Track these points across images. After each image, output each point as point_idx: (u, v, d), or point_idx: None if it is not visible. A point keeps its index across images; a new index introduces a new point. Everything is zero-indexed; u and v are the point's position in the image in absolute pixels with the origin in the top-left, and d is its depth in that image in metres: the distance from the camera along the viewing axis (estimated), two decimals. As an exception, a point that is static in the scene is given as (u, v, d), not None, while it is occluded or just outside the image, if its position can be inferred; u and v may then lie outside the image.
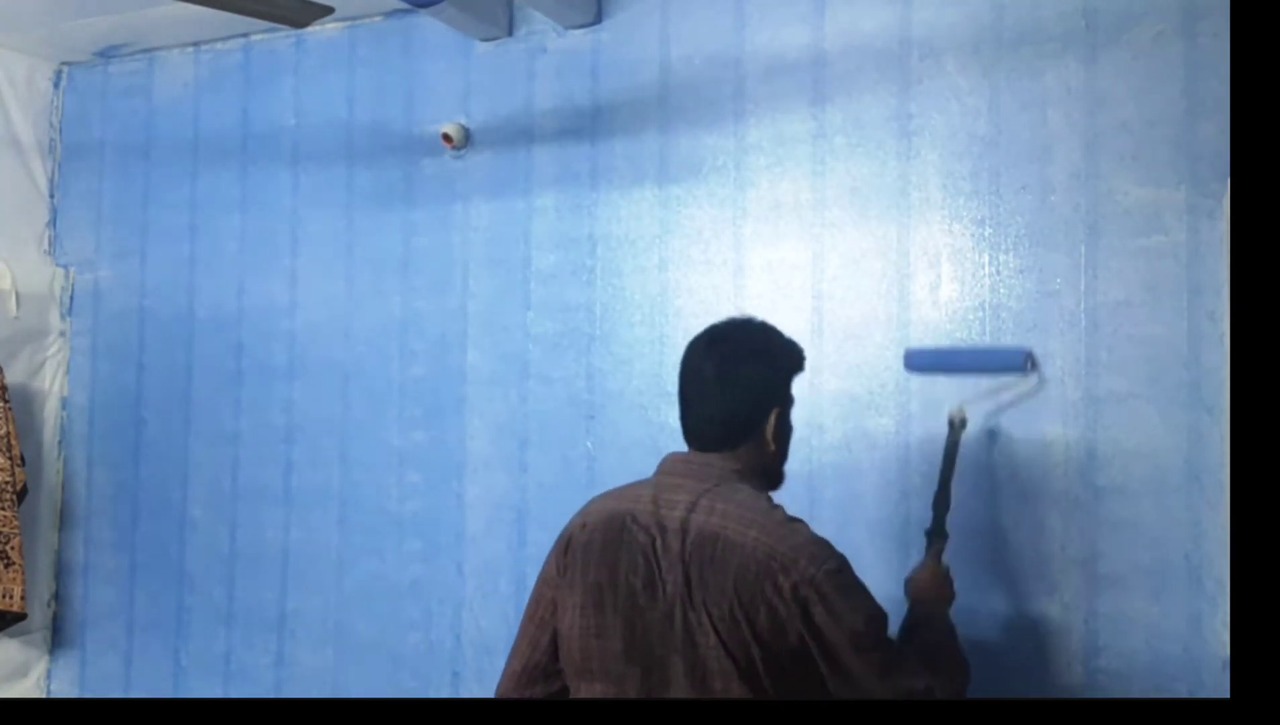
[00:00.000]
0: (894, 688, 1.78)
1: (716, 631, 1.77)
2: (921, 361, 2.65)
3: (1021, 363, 2.55)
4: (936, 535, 2.35)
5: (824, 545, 1.83)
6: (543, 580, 2.01)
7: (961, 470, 2.59)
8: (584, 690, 1.89)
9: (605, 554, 1.89)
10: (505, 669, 2.02)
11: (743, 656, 1.76)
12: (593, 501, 2.03)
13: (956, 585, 2.30)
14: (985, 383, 2.62)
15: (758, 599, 1.76)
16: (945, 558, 2.32)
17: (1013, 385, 2.59)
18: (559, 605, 1.94)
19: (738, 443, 1.94)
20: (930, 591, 2.22)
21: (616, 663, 1.84)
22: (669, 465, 1.98)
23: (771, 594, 1.76)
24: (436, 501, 3.21)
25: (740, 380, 1.95)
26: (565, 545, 1.98)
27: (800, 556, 1.78)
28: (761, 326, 2.04)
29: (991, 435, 2.61)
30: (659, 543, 1.85)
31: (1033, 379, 2.57)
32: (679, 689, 1.79)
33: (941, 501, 2.37)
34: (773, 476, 2.01)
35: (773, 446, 1.97)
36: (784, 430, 2.00)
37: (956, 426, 2.44)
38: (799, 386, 2.84)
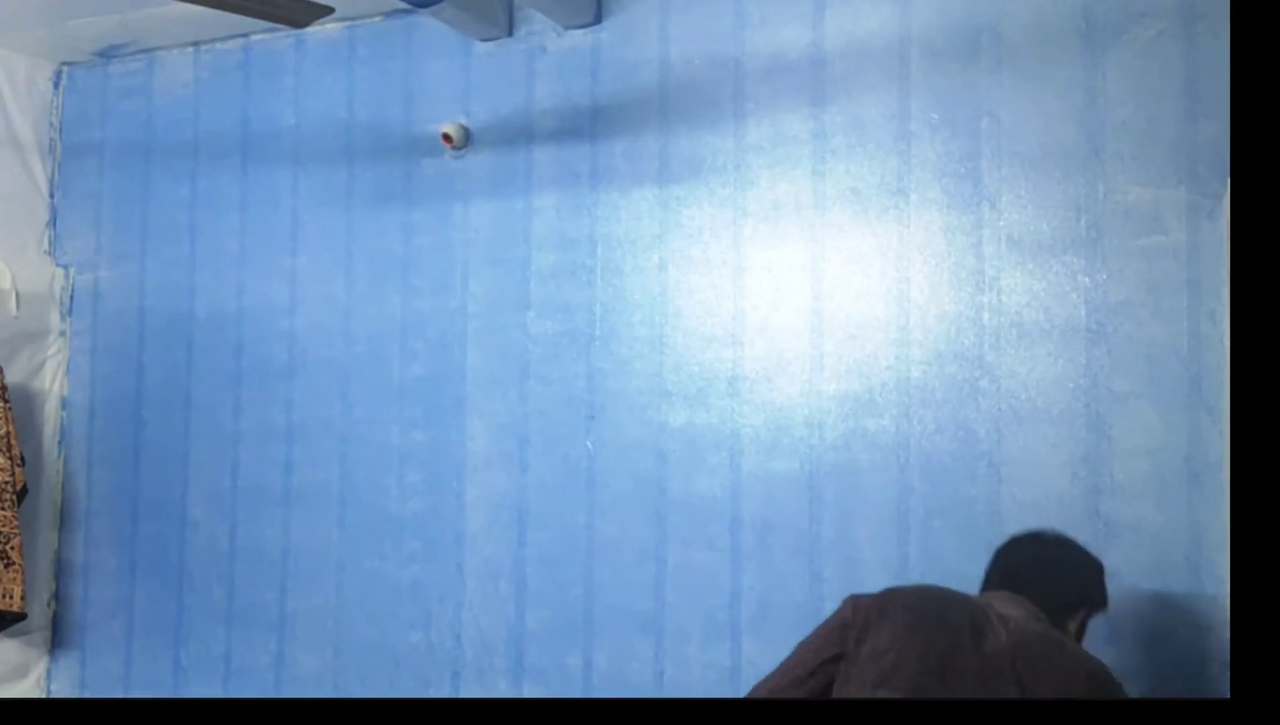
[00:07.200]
0: None
1: None
2: None
3: None
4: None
5: None
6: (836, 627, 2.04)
7: (961, 474, 2.58)
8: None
9: (925, 612, 1.97)
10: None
11: None
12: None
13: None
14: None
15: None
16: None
17: None
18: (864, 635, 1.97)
19: (1050, 614, 2.05)
20: None
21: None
22: (995, 594, 2.10)
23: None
24: (436, 501, 3.21)
25: (1072, 568, 2.16)
26: (879, 602, 2.02)
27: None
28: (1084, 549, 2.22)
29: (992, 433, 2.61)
30: (986, 617, 1.94)
31: None
32: None
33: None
34: None
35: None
36: (1082, 634, 2.15)
37: None
38: (800, 386, 2.86)
